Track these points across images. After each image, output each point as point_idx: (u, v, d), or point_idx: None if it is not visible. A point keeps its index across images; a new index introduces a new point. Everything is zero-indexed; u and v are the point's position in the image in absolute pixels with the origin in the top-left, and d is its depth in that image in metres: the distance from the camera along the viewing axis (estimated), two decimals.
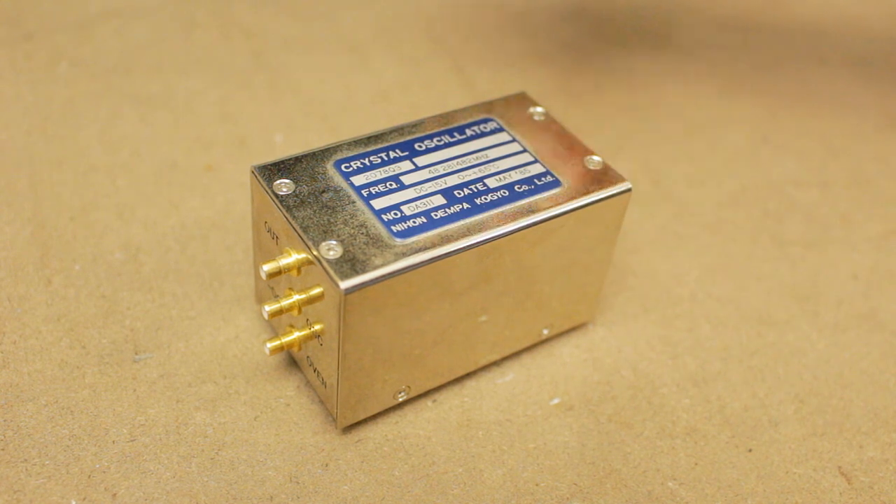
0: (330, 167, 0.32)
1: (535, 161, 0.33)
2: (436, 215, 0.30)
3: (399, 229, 0.30)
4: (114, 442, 0.31)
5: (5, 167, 0.41)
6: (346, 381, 0.30)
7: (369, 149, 0.33)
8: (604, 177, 0.33)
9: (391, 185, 0.31)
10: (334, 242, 0.29)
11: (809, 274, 0.40)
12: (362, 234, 0.30)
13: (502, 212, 0.31)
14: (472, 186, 0.32)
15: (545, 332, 0.35)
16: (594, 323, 0.37)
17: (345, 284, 0.28)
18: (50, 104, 0.44)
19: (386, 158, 0.32)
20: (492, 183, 0.32)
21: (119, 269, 0.37)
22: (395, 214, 0.30)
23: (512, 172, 0.32)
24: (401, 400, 0.33)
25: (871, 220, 0.44)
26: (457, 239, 0.30)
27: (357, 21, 0.53)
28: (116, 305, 0.35)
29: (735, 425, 0.34)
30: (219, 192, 0.41)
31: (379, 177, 0.32)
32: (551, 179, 0.32)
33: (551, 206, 0.31)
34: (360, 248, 0.29)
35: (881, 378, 0.36)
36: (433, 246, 0.30)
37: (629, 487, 0.32)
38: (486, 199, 0.31)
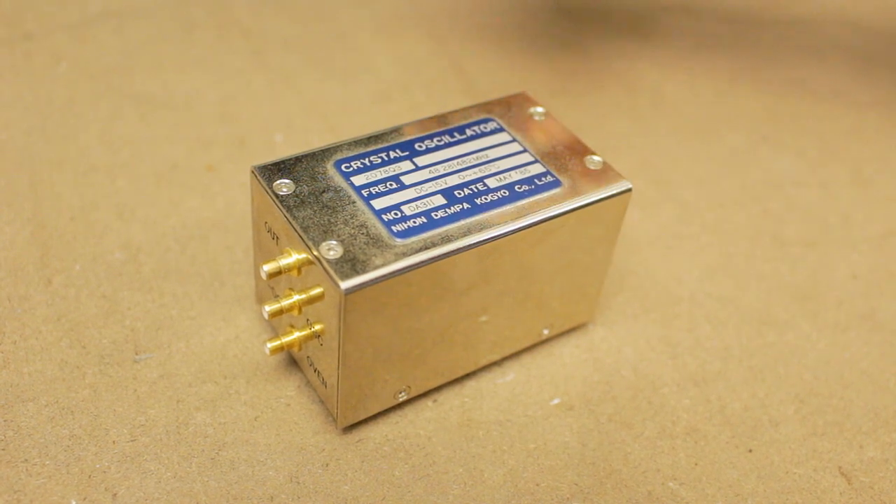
0: (330, 167, 0.32)
1: (536, 161, 0.33)
2: (436, 215, 0.31)
3: (399, 229, 0.30)
4: (114, 442, 0.31)
5: (5, 167, 0.41)
6: (347, 380, 0.30)
7: (369, 149, 0.33)
8: (604, 177, 0.33)
9: (391, 185, 0.31)
10: (334, 242, 0.29)
11: (809, 274, 0.40)
12: (362, 234, 0.30)
13: (502, 212, 0.31)
14: (473, 186, 0.32)
15: (545, 332, 0.35)
16: (594, 323, 0.37)
17: (345, 284, 0.28)
18: (50, 104, 0.44)
19: (386, 158, 0.32)
20: (492, 183, 0.32)
21: (119, 269, 0.37)
22: (396, 214, 0.30)
23: (512, 172, 0.32)
24: (401, 400, 0.33)
25: (871, 220, 0.44)
26: (457, 239, 0.30)
27: (357, 21, 0.53)
28: (116, 305, 0.35)
29: (735, 425, 0.34)
30: (219, 192, 0.41)
31: (379, 177, 0.32)
32: (551, 179, 0.32)
33: (551, 206, 0.31)
34: (360, 248, 0.29)
35: (881, 378, 0.36)
36: (433, 246, 0.30)
37: (629, 487, 0.32)
38: (486, 199, 0.31)
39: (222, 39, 0.50)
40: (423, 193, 0.31)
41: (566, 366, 0.35)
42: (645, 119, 0.49)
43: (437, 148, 0.33)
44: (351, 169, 0.32)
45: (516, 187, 0.32)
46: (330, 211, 0.30)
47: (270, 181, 0.31)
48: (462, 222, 0.30)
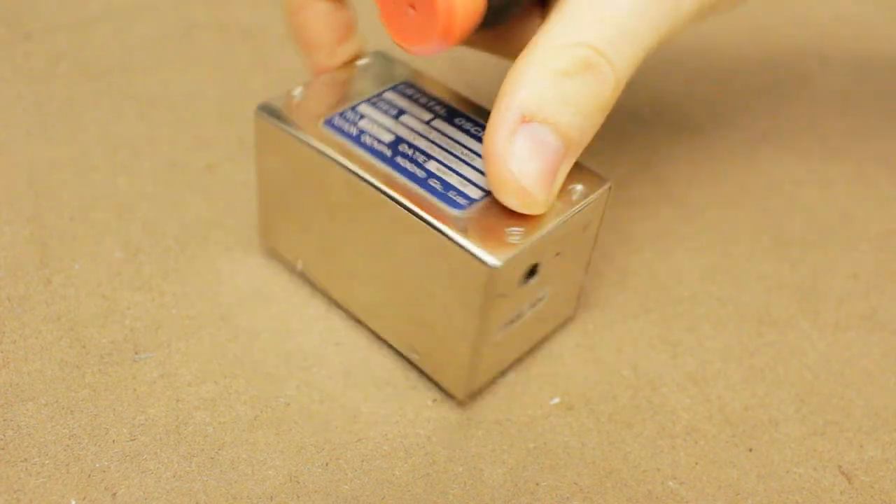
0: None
1: None
2: (369, 142, 0.32)
3: (335, 122, 0.33)
4: (114, 441, 0.31)
5: (5, 167, 0.41)
6: (263, 197, 0.36)
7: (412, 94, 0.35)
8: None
9: (389, 110, 0.33)
10: (300, 91, 0.34)
11: (809, 274, 0.40)
12: (320, 108, 0.33)
13: (407, 185, 0.31)
14: (423, 155, 0.32)
15: (414, 356, 0.34)
16: (594, 323, 0.37)
17: (261, 106, 0.33)
18: (50, 104, 0.44)
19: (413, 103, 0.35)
20: (433, 167, 0.32)
21: (119, 268, 0.37)
22: (351, 116, 0.33)
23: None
24: (299, 269, 0.36)
25: (871, 219, 0.44)
26: (354, 163, 0.31)
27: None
28: (116, 305, 0.35)
29: (735, 425, 0.34)
30: (219, 192, 0.41)
31: (382, 108, 0.34)
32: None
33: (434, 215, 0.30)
34: (303, 109, 0.33)
35: (882, 377, 0.36)
36: (339, 149, 0.32)
37: (629, 487, 0.32)
38: (418, 171, 0.32)
39: (222, 39, 0.50)
40: (390, 126, 0.33)
41: (566, 365, 0.35)
42: (645, 119, 0.49)
43: (447, 119, 0.34)
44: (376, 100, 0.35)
45: (433, 184, 0.32)
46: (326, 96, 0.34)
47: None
48: (373, 159, 0.32)
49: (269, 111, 0.33)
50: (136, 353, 0.34)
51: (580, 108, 0.29)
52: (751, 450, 0.33)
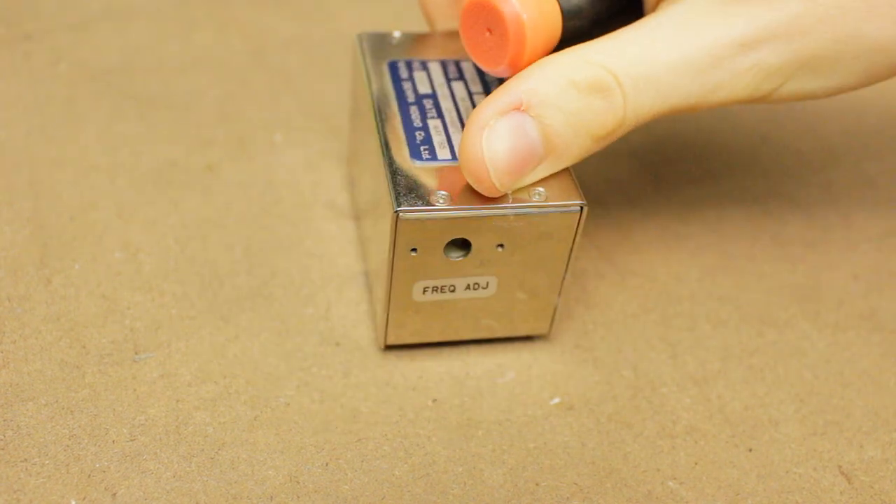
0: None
1: None
2: (406, 89, 0.34)
3: (399, 68, 0.35)
4: (113, 441, 0.31)
5: (5, 167, 0.41)
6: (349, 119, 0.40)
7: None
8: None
9: (451, 74, 0.35)
10: (399, 35, 0.36)
11: (810, 274, 0.40)
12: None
13: (395, 127, 0.32)
14: (435, 111, 0.33)
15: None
16: (594, 323, 0.37)
17: (359, 35, 0.37)
18: (50, 104, 0.44)
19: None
20: (432, 123, 0.33)
21: (119, 268, 0.37)
22: (416, 68, 0.35)
23: None
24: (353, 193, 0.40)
25: (871, 219, 0.44)
26: (378, 92, 0.34)
27: (357, 20, 0.53)
28: (116, 305, 0.35)
29: (735, 425, 0.34)
30: (219, 192, 0.41)
31: (447, 71, 0.35)
32: None
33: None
34: (393, 48, 0.36)
35: (882, 378, 0.36)
36: (375, 84, 0.34)
37: (629, 487, 0.32)
38: (417, 121, 0.33)
39: (222, 39, 0.50)
40: (436, 85, 0.34)
41: (566, 365, 0.35)
42: None
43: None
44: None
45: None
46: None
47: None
48: (393, 103, 0.33)
49: (361, 41, 0.36)
50: (136, 353, 0.34)
51: (575, 122, 0.29)
52: (751, 450, 0.33)
